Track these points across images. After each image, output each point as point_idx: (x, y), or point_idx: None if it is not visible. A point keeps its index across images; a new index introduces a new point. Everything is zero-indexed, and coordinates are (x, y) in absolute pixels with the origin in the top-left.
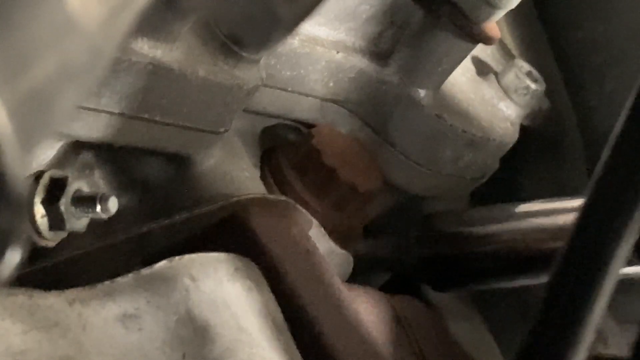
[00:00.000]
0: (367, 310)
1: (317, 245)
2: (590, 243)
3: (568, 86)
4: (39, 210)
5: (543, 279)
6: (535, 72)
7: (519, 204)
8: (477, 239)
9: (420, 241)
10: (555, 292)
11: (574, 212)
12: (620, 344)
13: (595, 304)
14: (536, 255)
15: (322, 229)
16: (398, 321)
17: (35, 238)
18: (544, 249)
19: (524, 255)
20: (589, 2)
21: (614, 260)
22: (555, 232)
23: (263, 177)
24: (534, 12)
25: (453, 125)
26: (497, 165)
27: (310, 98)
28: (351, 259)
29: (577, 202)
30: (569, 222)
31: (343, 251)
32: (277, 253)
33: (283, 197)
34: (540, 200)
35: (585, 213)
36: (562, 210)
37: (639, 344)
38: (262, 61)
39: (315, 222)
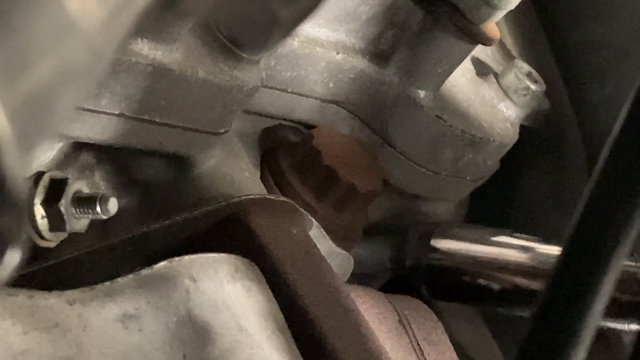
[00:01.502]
0: (368, 310)
1: (317, 245)
2: (591, 240)
3: (568, 86)
4: (39, 211)
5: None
6: (535, 73)
7: (512, 233)
8: (475, 257)
9: (419, 251)
10: (555, 290)
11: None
12: (620, 344)
13: (596, 303)
14: (519, 289)
15: (322, 229)
16: (399, 321)
17: (36, 239)
18: (527, 283)
19: (508, 285)
20: (588, 3)
21: (615, 258)
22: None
23: (263, 178)
24: (534, 12)
25: (453, 125)
26: (497, 166)
27: (310, 99)
28: (351, 259)
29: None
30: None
31: (343, 252)
32: (278, 253)
33: (283, 198)
34: (531, 238)
35: (585, 211)
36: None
37: (639, 344)
38: (262, 62)
39: (315, 222)
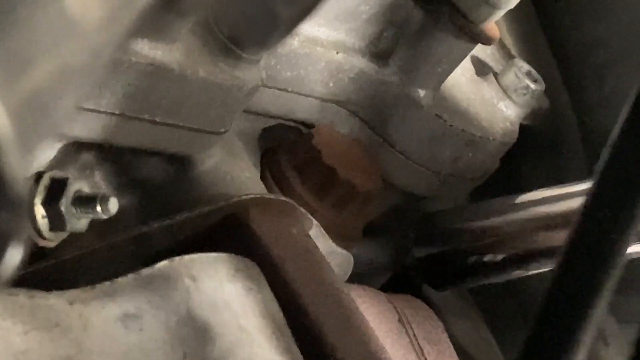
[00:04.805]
0: (368, 309)
1: (317, 245)
2: (591, 242)
3: (567, 86)
4: (40, 211)
5: (542, 268)
6: (534, 72)
7: (519, 195)
8: (477, 233)
9: (419, 239)
10: (557, 291)
11: (574, 198)
12: (620, 344)
13: (597, 302)
14: (534, 247)
15: (322, 229)
16: (399, 320)
17: (36, 238)
18: (542, 239)
19: (523, 247)
20: (588, 2)
21: (616, 257)
22: (554, 220)
23: (263, 178)
24: (534, 12)
25: (453, 125)
26: (496, 165)
27: (310, 98)
28: (351, 258)
29: (577, 187)
30: (569, 209)
31: (343, 251)
32: (278, 253)
33: (283, 197)
34: (539, 190)
35: (586, 211)
36: (561, 197)
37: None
38: (262, 62)
39: (315, 222)
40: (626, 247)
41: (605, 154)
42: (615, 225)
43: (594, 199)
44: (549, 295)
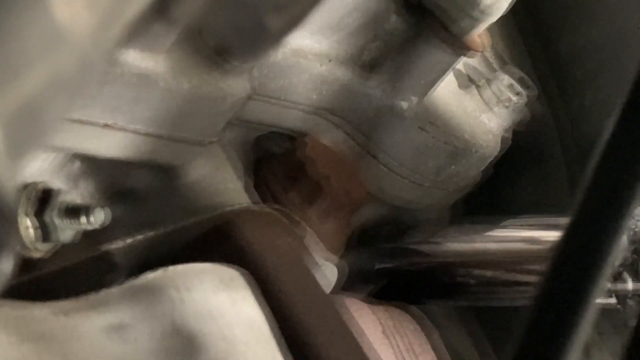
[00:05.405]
0: (362, 318)
1: (310, 253)
2: (583, 245)
3: (561, 92)
4: (31, 222)
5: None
6: (526, 78)
7: (500, 218)
8: (449, 254)
9: (396, 253)
10: (549, 292)
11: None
12: (615, 348)
13: (588, 306)
14: (510, 276)
15: (315, 237)
16: (393, 327)
17: (27, 249)
18: (518, 270)
19: (497, 275)
20: (581, 8)
21: (604, 267)
22: (527, 254)
23: (255, 186)
24: (526, 17)
25: (446, 132)
26: (490, 172)
27: (302, 106)
28: (345, 266)
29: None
30: (544, 239)
31: (336, 259)
32: (270, 262)
33: (275, 206)
34: (520, 217)
35: (576, 215)
36: (542, 227)
37: (629, 349)
38: (254, 71)
39: (308, 230)
40: (617, 251)
41: (591, 165)
42: (605, 231)
43: (582, 209)
44: (541, 296)
